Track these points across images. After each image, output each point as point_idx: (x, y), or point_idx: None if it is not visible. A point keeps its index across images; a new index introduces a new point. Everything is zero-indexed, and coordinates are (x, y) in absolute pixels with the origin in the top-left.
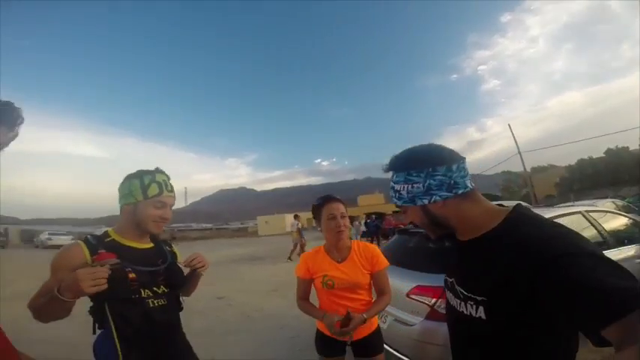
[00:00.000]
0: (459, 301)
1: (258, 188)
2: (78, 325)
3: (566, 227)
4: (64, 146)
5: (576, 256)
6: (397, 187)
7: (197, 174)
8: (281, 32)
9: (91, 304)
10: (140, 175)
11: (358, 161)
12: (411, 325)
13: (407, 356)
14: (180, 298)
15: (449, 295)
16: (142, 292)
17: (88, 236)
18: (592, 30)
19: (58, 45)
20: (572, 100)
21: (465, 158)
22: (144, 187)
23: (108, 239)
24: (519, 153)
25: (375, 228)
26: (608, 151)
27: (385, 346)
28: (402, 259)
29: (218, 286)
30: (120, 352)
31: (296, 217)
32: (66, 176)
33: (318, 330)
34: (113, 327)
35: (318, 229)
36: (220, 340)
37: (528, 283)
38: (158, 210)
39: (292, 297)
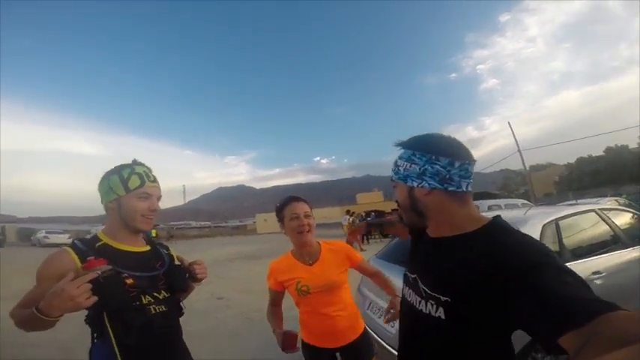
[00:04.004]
0: (419, 299)
1: (257, 186)
2: (74, 328)
3: (537, 240)
4: (64, 145)
5: (546, 267)
6: (399, 162)
7: (196, 172)
8: (279, 30)
9: (86, 312)
10: (118, 169)
11: (357, 159)
12: None
13: None
14: (181, 303)
15: (407, 291)
16: (143, 299)
17: (76, 241)
18: (590, 30)
19: (58, 45)
20: (571, 99)
21: (473, 161)
22: (124, 181)
23: (99, 243)
24: (519, 151)
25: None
26: (608, 150)
27: (391, 349)
28: (405, 258)
29: (217, 286)
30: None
31: (348, 212)
32: (66, 175)
33: (302, 340)
34: (112, 336)
35: (283, 231)
36: (221, 342)
37: (498, 289)
38: (143, 202)
39: (291, 297)
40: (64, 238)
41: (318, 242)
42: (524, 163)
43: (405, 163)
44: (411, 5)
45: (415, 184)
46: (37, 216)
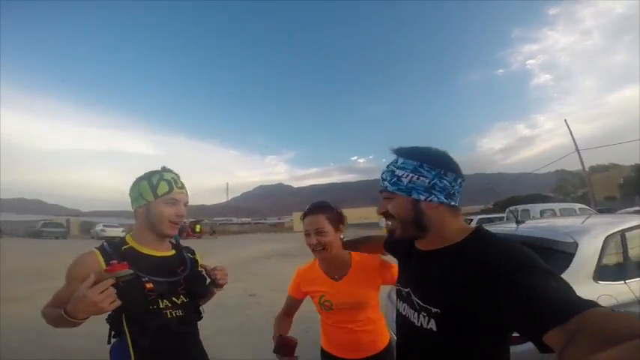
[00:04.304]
0: (412, 312)
1: (295, 185)
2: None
3: (521, 245)
4: (122, 145)
5: (532, 269)
6: (399, 172)
7: (238, 170)
8: (317, 30)
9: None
10: (148, 176)
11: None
12: None
13: None
14: (201, 308)
15: (401, 305)
16: (160, 303)
17: (104, 243)
18: None
19: (114, 52)
20: (635, 94)
21: (464, 178)
22: (153, 187)
23: (125, 247)
24: (577, 151)
25: None
26: None
27: None
28: None
29: (250, 283)
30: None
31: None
32: (124, 172)
33: (322, 348)
34: (129, 337)
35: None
36: (246, 340)
37: (487, 292)
38: (171, 207)
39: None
40: (119, 231)
41: (350, 254)
42: (582, 164)
43: (411, 175)
44: (452, 2)
45: (422, 198)
46: (99, 210)
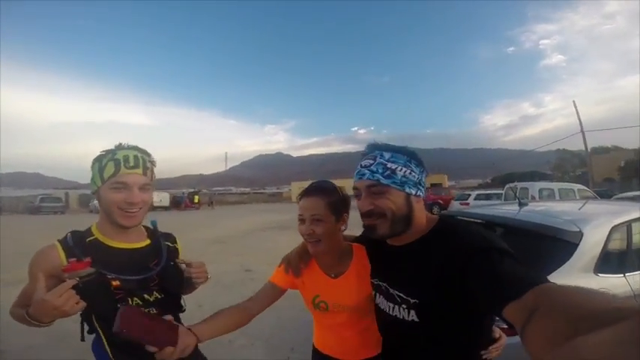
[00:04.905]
0: (392, 305)
1: (295, 154)
2: None
3: (482, 229)
4: (119, 116)
5: (491, 251)
6: (392, 165)
7: (237, 140)
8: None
9: None
10: (100, 156)
11: (397, 131)
12: None
13: None
14: (182, 301)
15: (380, 299)
16: (130, 301)
17: (68, 235)
18: None
19: (106, 21)
20: None
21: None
22: (101, 170)
23: (90, 238)
24: (582, 131)
25: None
26: None
27: None
28: None
29: (247, 257)
30: (112, 357)
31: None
32: (117, 142)
33: (314, 347)
34: (102, 334)
35: None
36: None
37: (457, 276)
38: (118, 193)
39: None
40: None
41: (351, 247)
42: (585, 144)
43: (404, 169)
44: None
45: (414, 192)
46: None
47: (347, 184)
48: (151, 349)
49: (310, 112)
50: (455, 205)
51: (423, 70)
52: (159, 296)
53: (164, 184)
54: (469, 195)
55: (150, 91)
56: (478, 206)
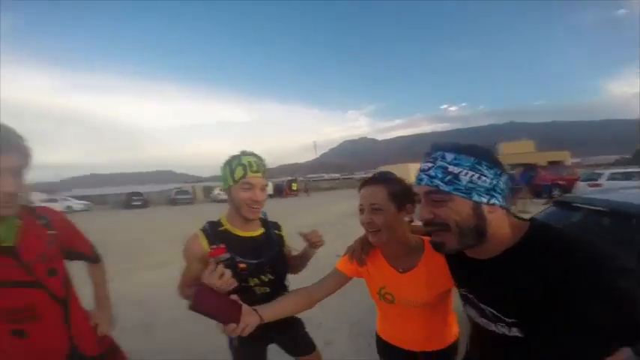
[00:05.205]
0: (486, 321)
1: (380, 137)
2: None
3: (584, 237)
4: (223, 115)
5: (601, 271)
6: (454, 169)
7: (323, 128)
8: None
9: None
10: (230, 160)
11: (496, 105)
12: None
13: None
14: (286, 282)
15: (470, 311)
16: (250, 281)
17: (206, 225)
18: None
19: (203, 32)
20: None
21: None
22: (231, 171)
23: (221, 228)
24: None
25: (528, 179)
26: None
27: None
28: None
29: (339, 243)
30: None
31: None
32: (227, 138)
33: (378, 335)
34: None
35: None
36: (328, 302)
37: (560, 297)
38: (246, 192)
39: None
40: None
41: (422, 241)
42: None
43: (470, 173)
44: None
45: (484, 200)
46: (215, 175)
47: None
48: (219, 325)
49: (390, 94)
50: (581, 187)
51: (514, 41)
52: (271, 277)
53: (267, 174)
54: (600, 174)
55: (244, 90)
56: (612, 189)
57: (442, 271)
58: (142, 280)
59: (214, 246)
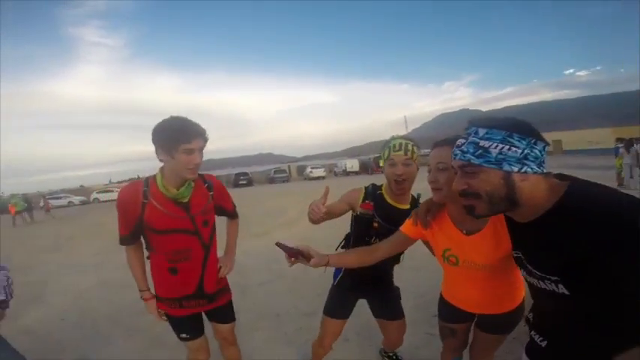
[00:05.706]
0: (535, 280)
1: (485, 108)
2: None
3: (622, 195)
4: (312, 98)
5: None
6: (484, 143)
7: (414, 102)
8: None
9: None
10: (386, 143)
11: None
12: None
13: None
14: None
15: (522, 270)
16: (374, 239)
17: (370, 186)
18: None
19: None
20: None
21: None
22: (383, 153)
23: (379, 192)
24: None
25: None
26: None
27: None
28: None
29: None
30: (343, 270)
31: (624, 140)
32: (319, 119)
33: (442, 296)
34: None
35: None
36: (406, 275)
37: (606, 255)
38: (391, 168)
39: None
40: (321, 172)
41: None
42: None
43: (501, 146)
44: None
45: (515, 169)
46: (308, 154)
47: (562, 137)
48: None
49: (496, 61)
50: None
51: None
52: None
53: (355, 152)
54: None
55: (329, 69)
56: None
57: (506, 235)
58: (240, 248)
59: (367, 201)
